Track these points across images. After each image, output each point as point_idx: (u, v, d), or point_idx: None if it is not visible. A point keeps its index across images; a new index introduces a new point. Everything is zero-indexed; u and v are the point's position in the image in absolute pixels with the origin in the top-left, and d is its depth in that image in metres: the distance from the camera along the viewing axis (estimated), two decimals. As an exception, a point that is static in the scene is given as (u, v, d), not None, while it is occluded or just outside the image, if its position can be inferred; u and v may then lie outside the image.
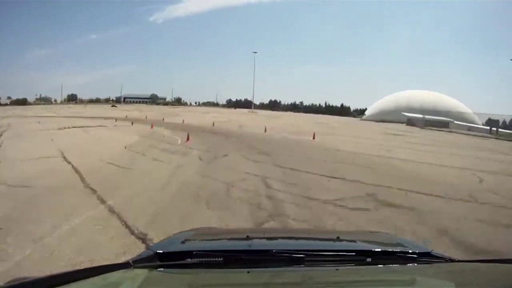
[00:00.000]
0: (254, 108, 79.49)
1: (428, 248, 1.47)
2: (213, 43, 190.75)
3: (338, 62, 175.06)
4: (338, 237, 1.63)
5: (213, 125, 25.77)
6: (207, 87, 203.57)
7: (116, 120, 28.99)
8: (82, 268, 1.26)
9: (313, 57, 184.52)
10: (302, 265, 1.21)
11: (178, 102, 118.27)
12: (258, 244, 1.59)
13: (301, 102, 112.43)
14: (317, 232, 2.64)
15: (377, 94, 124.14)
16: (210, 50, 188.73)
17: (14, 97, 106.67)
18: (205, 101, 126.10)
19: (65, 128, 19.86)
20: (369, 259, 1.28)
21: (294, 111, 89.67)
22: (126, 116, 36.55)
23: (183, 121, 29.74)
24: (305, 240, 1.84)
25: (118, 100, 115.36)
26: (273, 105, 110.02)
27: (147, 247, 2.76)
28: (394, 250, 1.43)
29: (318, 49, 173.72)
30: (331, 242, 1.63)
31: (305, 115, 63.36)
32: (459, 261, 1.43)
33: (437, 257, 1.38)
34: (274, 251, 1.27)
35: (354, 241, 1.72)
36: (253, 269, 1.19)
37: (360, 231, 3.48)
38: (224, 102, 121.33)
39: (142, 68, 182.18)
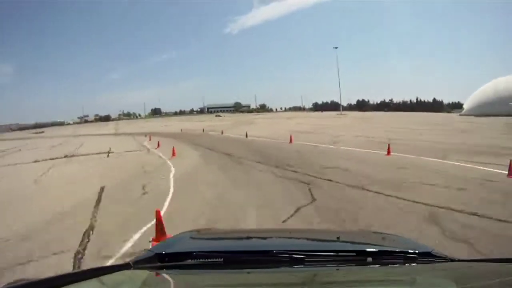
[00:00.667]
0: (342, 110, 70.77)
1: (428, 248, 1.42)
2: (292, 47, 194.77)
3: (426, 53, 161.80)
4: (338, 237, 1.59)
5: (290, 141, 15.94)
6: (291, 92, 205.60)
7: (150, 139, 23.99)
8: (82, 269, 1.18)
9: (399, 50, 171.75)
10: (302, 266, 1.19)
11: (262, 108, 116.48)
12: (258, 244, 1.55)
13: (391, 100, 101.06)
14: (318, 232, 2.58)
15: (472, 84, 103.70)
16: (290, 54, 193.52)
17: (101, 114, 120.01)
18: (290, 106, 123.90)
19: (51, 159, 14.73)
20: (369, 259, 1.25)
21: (385, 110, 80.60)
22: (181, 130, 33.73)
23: (247, 134, 21.29)
24: (305, 240, 1.78)
25: (202, 111, 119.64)
26: (361, 105, 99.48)
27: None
28: (395, 250, 1.38)
29: (403, 42, 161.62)
30: (331, 242, 1.58)
31: (401, 114, 51.53)
32: (459, 260, 1.38)
33: (438, 257, 1.34)
34: (274, 251, 1.24)
35: (355, 241, 1.64)
36: (253, 270, 1.17)
37: (360, 231, 3.28)
38: (310, 106, 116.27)
39: (224, 78, 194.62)
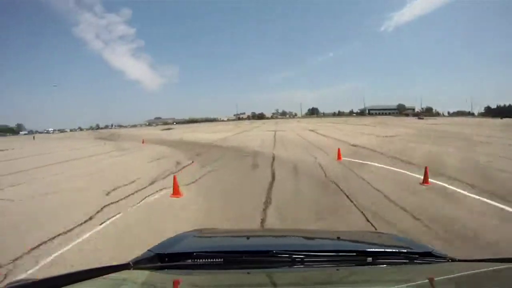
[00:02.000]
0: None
1: (429, 248, 1.42)
2: (455, 42, 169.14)
3: None
4: (338, 237, 1.60)
5: None
6: (456, 93, 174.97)
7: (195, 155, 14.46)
8: (82, 269, 1.12)
9: None
10: (302, 266, 1.19)
11: (428, 112, 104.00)
12: (258, 245, 1.55)
13: None
14: (318, 233, 2.57)
15: None
16: (453, 51, 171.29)
17: (257, 112, 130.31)
18: (456, 110, 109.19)
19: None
20: (369, 259, 1.25)
21: None
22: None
23: None
24: (305, 240, 1.77)
25: (362, 112, 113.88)
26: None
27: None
28: (395, 250, 1.38)
29: None
30: (331, 242, 1.58)
31: None
32: (460, 260, 1.38)
33: (438, 257, 1.34)
34: (274, 251, 1.25)
35: (355, 241, 1.65)
36: (253, 270, 1.17)
37: (360, 231, 3.28)
38: (482, 110, 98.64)
39: (384, 78, 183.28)
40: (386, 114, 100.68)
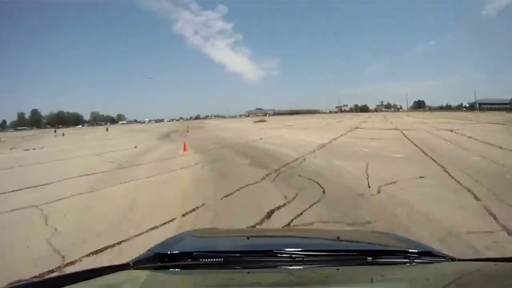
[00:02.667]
0: None
1: (428, 248, 1.42)
2: None
3: None
4: (338, 237, 1.60)
5: None
6: None
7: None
8: (82, 269, 1.15)
9: None
10: (302, 265, 1.19)
11: None
12: (258, 244, 1.55)
13: None
14: (318, 232, 2.55)
15: None
16: None
17: (361, 104, 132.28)
18: None
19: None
20: (369, 259, 1.25)
21: None
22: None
23: None
24: (305, 240, 1.78)
25: (472, 106, 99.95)
26: None
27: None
28: (395, 249, 1.38)
29: None
30: (331, 242, 1.59)
31: None
32: (460, 260, 1.39)
33: (438, 256, 1.35)
34: (274, 251, 1.25)
35: (355, 241, 1.66)
36: (253, 270, 1.17)
37: (360, 231, 3.32)
38: None
39: (496, 68, 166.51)
40: (499, 109, 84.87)
